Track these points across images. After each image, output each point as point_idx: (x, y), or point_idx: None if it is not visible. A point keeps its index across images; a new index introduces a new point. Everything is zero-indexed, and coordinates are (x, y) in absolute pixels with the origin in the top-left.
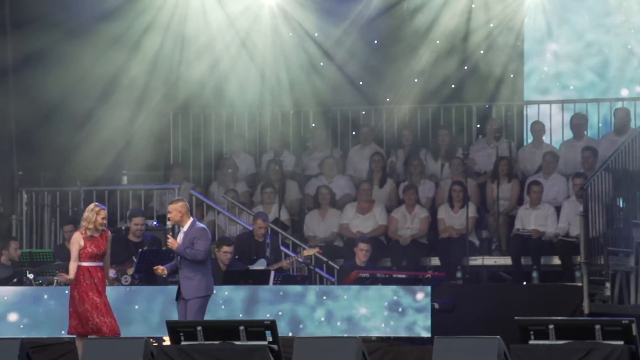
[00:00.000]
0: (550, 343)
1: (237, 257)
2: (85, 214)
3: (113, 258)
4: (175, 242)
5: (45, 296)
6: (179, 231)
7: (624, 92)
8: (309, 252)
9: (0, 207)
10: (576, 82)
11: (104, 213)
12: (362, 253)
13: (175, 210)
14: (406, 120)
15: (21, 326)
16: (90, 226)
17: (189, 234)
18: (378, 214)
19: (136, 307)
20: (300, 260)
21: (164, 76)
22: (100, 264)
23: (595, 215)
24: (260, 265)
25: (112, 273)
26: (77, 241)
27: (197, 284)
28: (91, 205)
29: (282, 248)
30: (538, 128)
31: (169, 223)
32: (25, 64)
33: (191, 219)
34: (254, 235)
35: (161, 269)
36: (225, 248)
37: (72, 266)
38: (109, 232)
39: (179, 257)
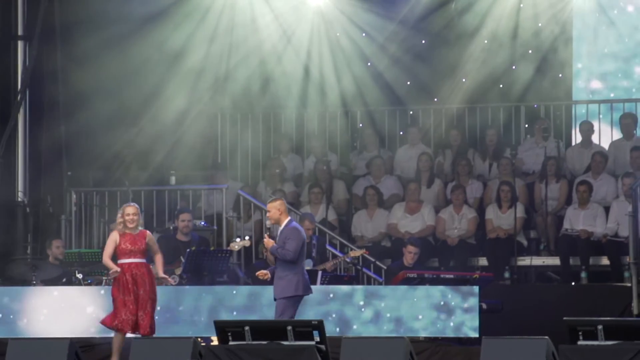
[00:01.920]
0: (599, 344)
1: None
2: (118, 213)
3: None
4: (270, 241)
5: (94, 295)
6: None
7: None
8: (355, 253)
9: (49, 207)
10: (625, 81)
11: (128, 210)
12: (410, 255)
13: (274, 208)
14: (454, 120)
15: (70, 325)
16: (120, 221)
17: (283, 233)
18: (426, 214)
19: (183, 307)
20: (347, 260)
21: (212, 76)
22: (139, 260)
23: None
24: (306, 265)
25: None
26: (111, 239)
27: (286, 283)
28: (124, 205)
29: (329, 248)
30: (587, 128)
31: (268, 222)
32: (73, 65)
33: (288, 218)
34: None
35: (263, 273)
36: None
37: (105, 261)
38: (147, 232)
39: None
